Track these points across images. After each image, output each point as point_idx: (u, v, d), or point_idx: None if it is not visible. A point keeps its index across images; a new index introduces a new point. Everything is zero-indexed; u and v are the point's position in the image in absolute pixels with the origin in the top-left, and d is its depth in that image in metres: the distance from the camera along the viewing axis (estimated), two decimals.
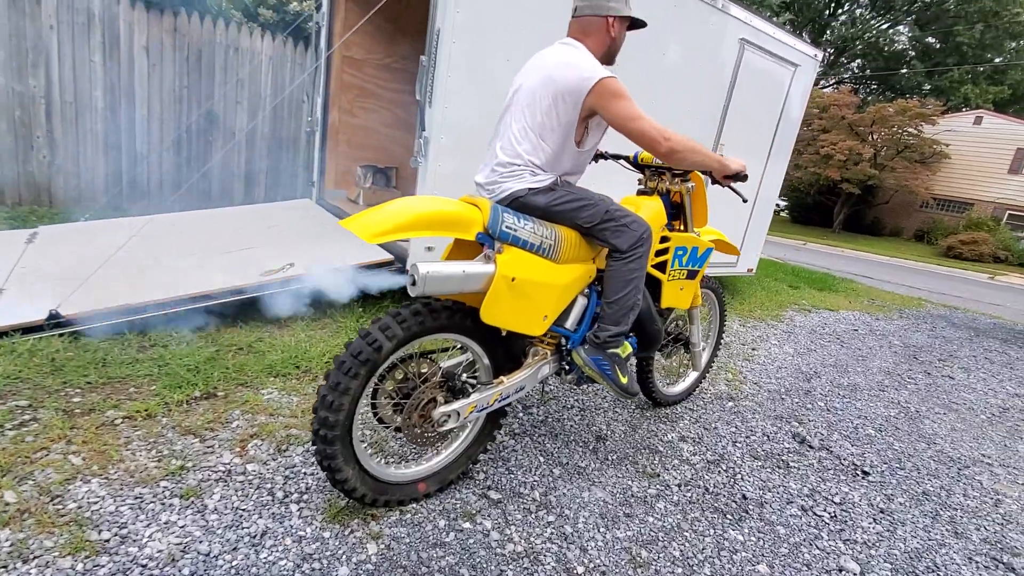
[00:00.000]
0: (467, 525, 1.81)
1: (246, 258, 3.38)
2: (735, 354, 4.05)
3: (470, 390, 1.84)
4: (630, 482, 2.21)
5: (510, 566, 1.66)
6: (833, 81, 27.11)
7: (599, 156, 2.53)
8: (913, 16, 23.90)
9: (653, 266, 2.32)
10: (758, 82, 4.69)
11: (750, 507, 2.18)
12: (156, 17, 4.83)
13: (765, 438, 2.80)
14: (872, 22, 24.78)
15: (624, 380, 2.04)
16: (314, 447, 1.61)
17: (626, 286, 1.96)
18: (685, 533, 1.96)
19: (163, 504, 1.65)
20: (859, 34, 24.04)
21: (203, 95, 5.19)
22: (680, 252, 2.36)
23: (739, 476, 2.39)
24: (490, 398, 1.85)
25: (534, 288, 1.79)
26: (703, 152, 1.95)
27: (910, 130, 19.49)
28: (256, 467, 1.89)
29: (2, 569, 1.34)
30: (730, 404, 3.14)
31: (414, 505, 1.85)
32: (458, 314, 1.74)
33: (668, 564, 1.79)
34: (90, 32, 4.58)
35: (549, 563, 1.71)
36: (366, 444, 1.94)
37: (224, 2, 5.85)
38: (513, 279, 1.72)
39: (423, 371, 1.80)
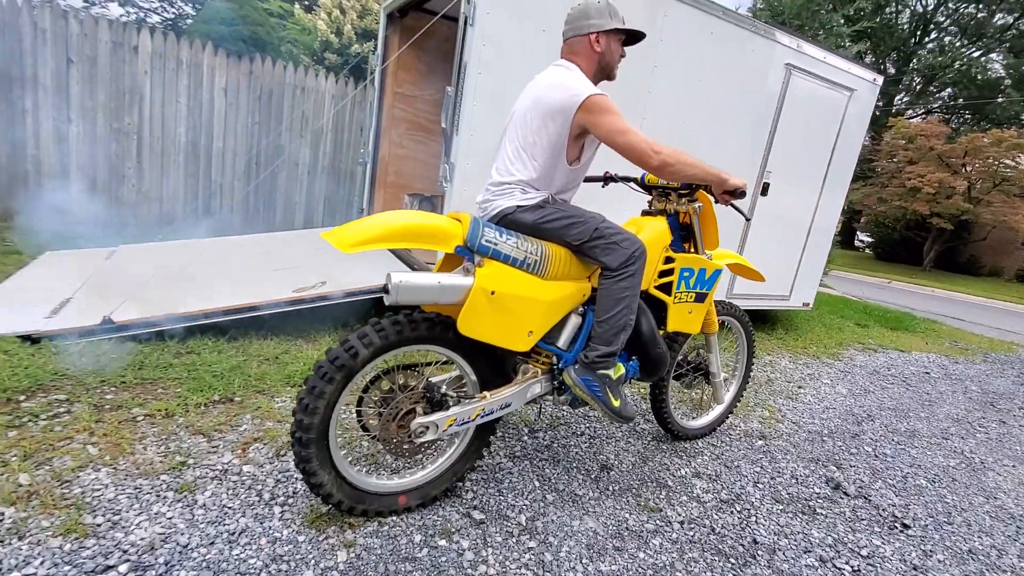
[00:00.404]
0: (443, 543, 1.78)
1: (288, 276, 3.60)
2: (777, 391, 3.78)
3: (450, 403, 1.85)
4: (627, 515, 2.10)
5: None
6: (922, 111, 25.38)
7: (609, 179, 2.51)
8: (1007, 44, 22.12)
9: (658, 288, 2.25)
10: (808, 108, 4.50)
11: (759, 552, 2.00)
12: (235, 62, 5.39)
13: (794, 481, 2.57)
14: (962, 50, 23.14)
15: (616, 403, 1.97)
16: (292, 449, 1.66)
17: (616, 304, 1.91)
18: (677, 573, 1.82)
19: (158, 496, 1.76)
20: (948, 62, 22.46)
21: (271, 130, 5.68)
22: (686, 274, 2.27)
23: (753, 519, 2.21)
24: (471, 412, 1.84)
25: (516, 302, 1.79)
26: (698, 165, 1.90)
27: (1007, 162, 17.77)
28: (252, 469, 1.98)
29: (7, 542, 1.48)
30: (760, 443, 2.92)
31: (394, 518, 1.85)
32: (439, 326, 1.77)
33: None
34: (178, 76, 5.18)
35: None
36: (345, 451, 1.98)
37: (294, 48, 6.41)
38: (493, 292, 1.73)
39: (407, 383, 1.83)
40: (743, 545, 2.03)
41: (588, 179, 2.49)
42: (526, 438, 2.56)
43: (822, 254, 5.22)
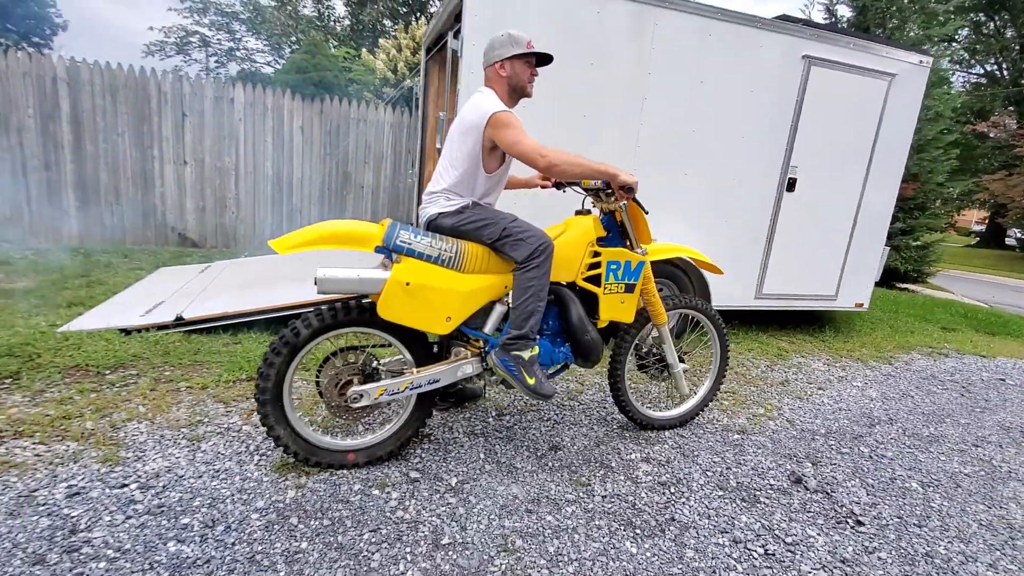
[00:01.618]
0: (376, 492, 2.15)
1: None
2: (789, 391, 3.66)
3: (382, 377, 2.22)
4: (554, 487, 2.32)
5: (388, 526, 1.96)
6: None
7: (559, 186, 2.75)
8: None
9: (587, 279, 2.45)
10: (837, 98, 4.30)
11: (670, 528, 2.12)
12: (308, 103, 6.31)
13: (752, 472, 2.59)
14: None
15: (531, 381, 2.22)
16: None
17: (524, 293, 2.17)
18: (575, 535, 2.02)
19: (174, 442, 2.33)
20: None
21: (341, 159, 6.54)
22: (613, 266, 2.44)
23: (683, 501, 2.31)
24: (400, 385, 2.20)
25: (431, 292, 2.12)
26: (584, 164, 2.13)
27: None
28: (249, 428, 2.50)
29: (60, 465, 2.11)
30: (736, 437, 2.94)
31: (344, 471, 2.26)
32: (370, 312, 2.16)
33: (536, 556, 1.90)
34: (264, 120, 6.19)
35: (423, 531, 1.96)
36: (302, 413, 2.42)
37: (358, 86, 7.28)
38: (408, 284, 2.09)
39: (353, 360, 2.25)
40: (657, 520, 2.16)
41: (547, 187, 2.77)
42: (491, 419, 2.86)
43: (873, 250, 4.85)
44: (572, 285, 2.46)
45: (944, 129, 8.40)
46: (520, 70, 2.27)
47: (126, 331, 3.38)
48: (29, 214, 5.76)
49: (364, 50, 7.62)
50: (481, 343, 2.35)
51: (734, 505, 2.31)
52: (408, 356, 2.29)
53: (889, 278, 9.02)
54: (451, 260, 2.18)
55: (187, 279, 4.59)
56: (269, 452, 2.33)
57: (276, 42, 10.73)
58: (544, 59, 2.32)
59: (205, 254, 5.94)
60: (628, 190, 2.20)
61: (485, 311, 2.33)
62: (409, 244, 2.12)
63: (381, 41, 7.00)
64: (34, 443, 2.22)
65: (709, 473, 2.54)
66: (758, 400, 3.46)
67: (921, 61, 4.45)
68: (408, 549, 1.86)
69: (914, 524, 2.31)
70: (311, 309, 2.12)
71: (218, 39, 11.56)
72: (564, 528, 2.05)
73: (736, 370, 3.95)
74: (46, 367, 2.84)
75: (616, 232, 2.52)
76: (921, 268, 8.82)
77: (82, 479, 2.04)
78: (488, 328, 2.33)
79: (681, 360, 2.87)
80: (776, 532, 2.15)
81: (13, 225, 5.75)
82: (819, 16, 9.02)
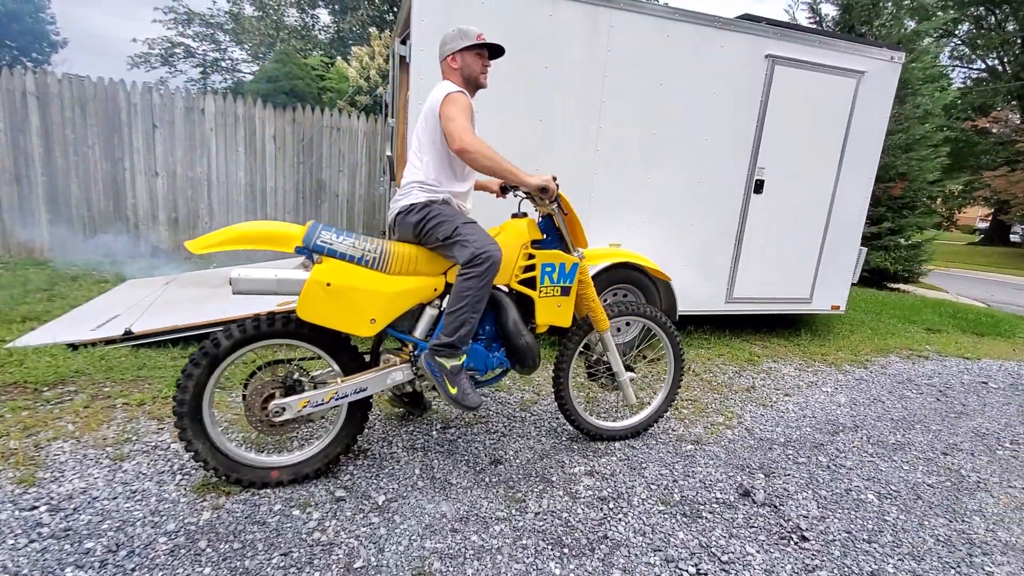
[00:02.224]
0: (296, 512, 2.08)
1: None
2: (753, 398, 3.57)
3: (304, 388, 2.15)
4: (486, 503, 2.24)
5: (301, 549, 1.89)
6: None
7: (503, 189, 2.68)
8: None
9: (522, 282, 2.38)
10: (803, 98, 4.22)
11: (600, 547, 2.03)
12: (280, 112, 6.28)
13: (699, 485, 2.50)
14: None
15: (453, 391, 2.15)
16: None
17: (459, 301, 2.10)
18: (497, 556, 1.94)
19: (96, 462, 2.27)
20: None
21: (315, 167, 6.49)
22: (548, 269, 2.37)
23: (620, 517, 2.22)
24: (324, 396, 2.13)
25: (353, 293, 2.06)
26: (497, 161, 2.09)
27: None
28: (178, 447, 2.43)
29: None
30: (689, 447, 2.85)
31: (268, 490, 2.18)
32: (294, 323, 2.09)
33: None
34: (236, 129, 6.16)
35: (337, 554, 1.88)
36: (223, 428, 2.35)
37: (331, 94, 7.25)
38: (328, 284, 2.02)
39: (279, 373, 2.18)
40: (588, 539, 2.07)
41: (498, 194, 2.69)
42: (435, 432, 2.78)
43: (848, 251, 4.76)
44: (507, 289, 2.39)
45: (935, 127, 8.30)
46: (471, 61, 2.28)
47: (74, 346, 3.32)
48: (0, 227, 5.74)
49: (339, 58, 7.60)
50: (411, 347, 2.28)
51: (674, 521, 2.23)
52: (335, 366, 2.22)
53: (879, 278, 8.90)
54: (375, 261, 2.12)
55: (150, 291, 4.54)
56: (192, 471, 2.26)
57: (257, 52, 10.75)
58: (496, 51, 2.34)
59: (177, 265, 5.89)
60: (544, 191, 2.15)
61: (414, 314, 2.26)
62: (330, 244, 2.06)
63: (354, 49, 6.99)
64: None
65: (654, 487, 2.46)
66: (719, 408, 3.37)
67: (893, 58, 4.37)
68: (317, 573, 1.79)
69: (863, 540, 2.22)
70: (238, 321, 2.05)
71: (203, 50, 11.61)
72: (488, 549, 1.97)
73: (702, 376, 3.87)
74: None
75: (554, 235, 2.46)
76: (912, 268, 8.70)
77: None
78: (419, 332, 2.26)
79: (629, 369, 2.79)
80: (712, 550, 2.07)
81: None
82: (803, 16, 8.96)
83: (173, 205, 6.15)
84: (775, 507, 2.38)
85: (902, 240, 8.64)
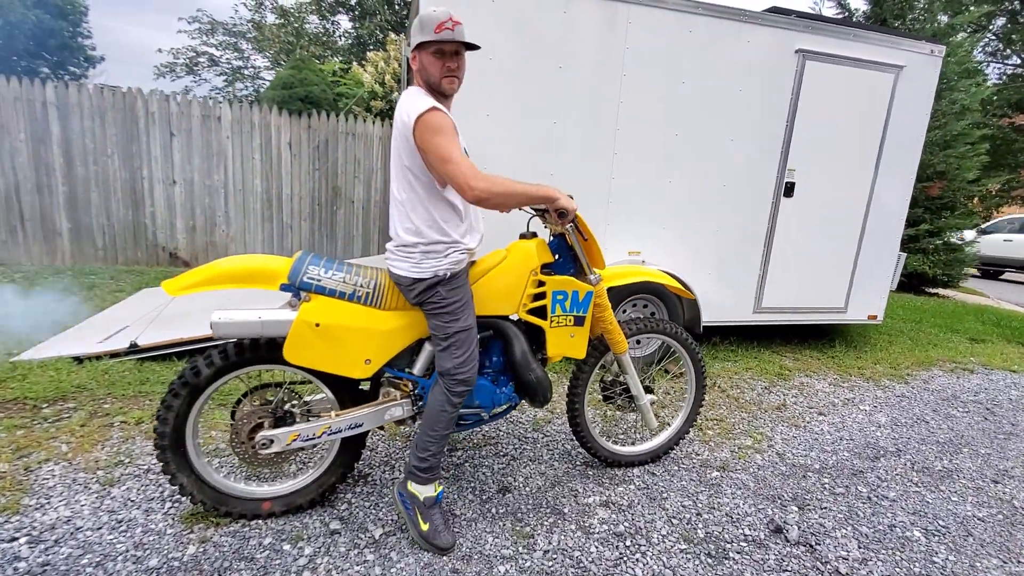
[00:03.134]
0: (287, 547, 1.94)
1: None
2: (784, 417, 3.33)
3: (296, 420, 2.02)
4: (492, 538, 2.07)
5: None
6: None
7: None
8: None
9: (531, 311, 2.19)
10: (837, 95, 3.96)
11: None
12: (296, 119, 6.24)
13: (726, 520, 2.29)
14: None
15: (424, 527, 1.94)
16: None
17: (431, 421, 1.95)
18: None
19: (84, 487, 2.17)
20: None
21: (330, 174, 6.43)
22: (560, 296, 2.18)
23: (638, 557, 2.03)
24: (316, 430, 1.98)
25: (345, 333, 1.90)
26: (521, 192, 1.80)
27: None
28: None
29: None
30: (715, 474, 2.63)
31: (259, 521, 2.06)
32: (281, 348, 1.96)
33: None
34: (252, 137, 6.13)
35: None
36: (209, 458, 2.22)
37: (347, 100, 7.19)
38: (318, 324, 1.88)
39: (268, 398, 2.05)
40: None
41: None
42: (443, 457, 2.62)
43: (887, 259, 4.46)
44: (517, 320, 2.20)
45: (972, 123, 7.84)
46: (427, 64, 1.79)
47: (79, 359, 3.27)
48: (23, 236, 5.81)
49: (354, 63, 7.56)
50: (411, 384, 2.11)
51: (697, 562, 2.02)
52: (331, 395, 2.08)
53: (917, 283, 8.46)
54: (368, 296, 1.96)
55: (162, 301, 4.50)
56: (183, 498, 2.15)
57: (278, 59, 10.83)
58: (465, 46, 1.79)
59: None
60: (562, 215, 1.94)
61: (412, 350, 2.10)
62: (318, 280, 1.91)
63: (370, 54, 6.92)
64: None
65: (675, 521, 2.26)
66: (747, 429, 3.14)
67: (932, 51, 4.07)
68: None
69: None
70: (219, 347, 1.93)
71: (226, 58, 11.76)
72: None
73: (728, 392, 3.63)
74: None
75: (567, 256, 2.25)
76: (951, 272, 8.23)
77: None
78: (417, 369, 2.10)
79: (649, 391, 2.59)
80: None
81: (9, 248, 5.81)
82: (830, 11, 8.57)
83: (191, 213, 6.16)
84: (810, 546, 2.16)
85: (940, 243, 8.18)
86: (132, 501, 2.11)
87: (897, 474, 2.77)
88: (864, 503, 2.49)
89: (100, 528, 1.95)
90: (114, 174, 5.89)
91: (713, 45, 3.65)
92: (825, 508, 2.43)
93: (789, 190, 4.04)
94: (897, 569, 2.06)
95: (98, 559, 1.81)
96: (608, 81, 3.54)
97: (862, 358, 4.54)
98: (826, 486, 2.61)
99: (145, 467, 2.33)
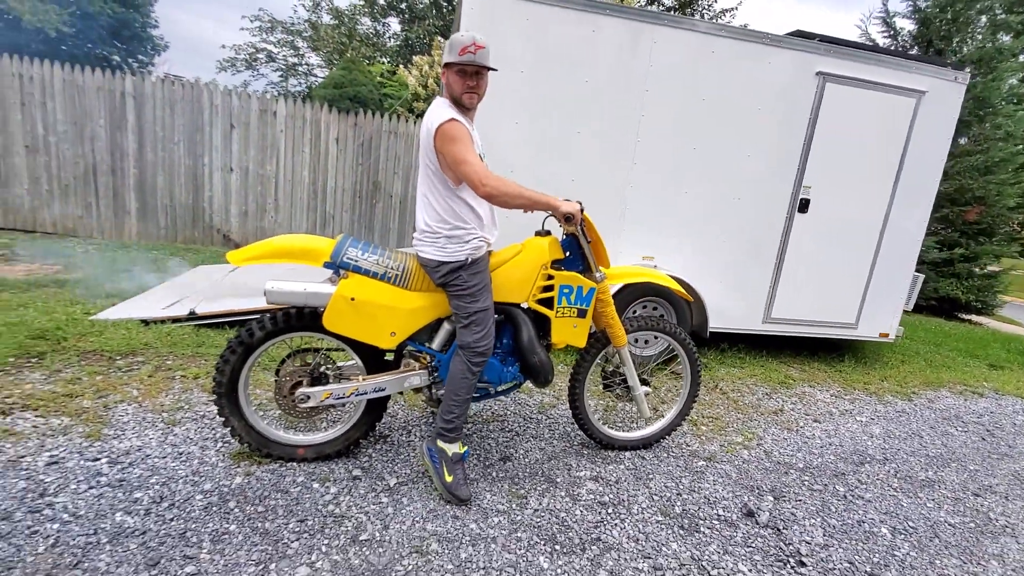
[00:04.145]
0: (316, 485, 2.29)
1: None
2: (780, 421, 3.51)
3: (329, 380, 2.36)
4: (490, 496, 2.36)
5: (316, 518, 2.09)
6: None
7: None
8: None
9: (539, 301, 2.47)
10: (856, 117, 4.09)
11: (592, 547, 2.12)
12: (344, 117, 6.69)
13: (703, 501, 2.52)
14: None
15: (449, 479, 2.25)
16: None
17: (455, 385, 2.25)
18: (492, 544, 2.06)
19: (152, 424, 2.58)
20: None
21: (372, 169, 6.86)
22: (566, 290, 2.45)
23: (616, 522, 2.29)
24: (346, 390, 2.32)
25: (375, 308, 2.23)
26: (526, 195, 2.10)
27: None
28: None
29: (50, 437, 2.39)
30: (700, 463, 2.86)
31: (294, 464, 2.41)
32: (321, 318, 2.30)
33: (446, 560, 1.96)
34: (303, 131, 6.62)
35: (347, 526, 2.07)
36: (256, 407, 2.58)
37: (392, 101, 7.62)
38: (353, 299, 2.21)
39: (308, 361, 2.40)
40: (581, 539, 2.16)
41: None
42: None
43: (902, 279, 4.55)
44: (526, 308, 2.48)
45: (1017, 149, 7.69)
46: (452, 80, 2.10)
47: (146, 322, 3.73)
48: (97, 213, 6.44)
49: (400, 66, 7.99)
50: (429, 357, 2.43)
51: (670, 532, 2.27)
52: (359, 362, 2.42)
53: (949, 308, 8.32)
54: (397, 278, 2.29)
55: (216, 278, 4.98)
56: (232, 441, 2.52)
57: (330, 58, 11.42)
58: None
59: None
60: (568, 219, 2.21)
61: (432, 328, 2.42)
62: (356, 261, 2.24)
63: (415, 58, 7.33)
64: (36, 416, 2.53)
65: (656, 497, 2.51)
66: (740, 428, 3.34)
67: (956, 78, 4.16)
68: (326, 541, 1.98)
69: (865, 571, 2.18)
70: (270, 313, 2.29)
71: (283, 55, 12.46)
72: (483, 537, 2.10)
73: (728, 395, 3.83)
74: (68, 350, 3.20)
75: (577, 254, 2.52)
76: (986, 298, 8.08)
77: (64, 450, 2.30)
78: (436, 344, 2.42)
79: (645, 383, 2.84)
80: (704, 563, 2.10)
81: (83, 223, 6.45)
82: (876, 30, 8.54)
83: (244, 199, 6.68)
84: (778, 530, 2.37)
85: (976, 268, 8.04)
86: (190, 439, 2.50)
87: (878, 479, 2.93)
88: (839, 500, 2.68)
89: (165, 457, 2.35)
90: (179, 160, 6.46)
91: (735, 65, 3.86)
92: (800, 501, 2.63)
93: (804, 206, 4.20)
94: (856, 556, 2.26)
95: (163, 480, 2.20)
96: (630, 96, 3.80)
97: (870, 374, 4.64)
98: (805, 483, 2.80)
99: (201, 413, 2.73)
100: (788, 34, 4.14)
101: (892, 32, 8.39)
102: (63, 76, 6.10)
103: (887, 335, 4.66)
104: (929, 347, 5.83)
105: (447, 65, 2.12)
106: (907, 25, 8.28)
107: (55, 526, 1.89)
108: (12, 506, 1.95)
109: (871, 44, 8.29)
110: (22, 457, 2.22)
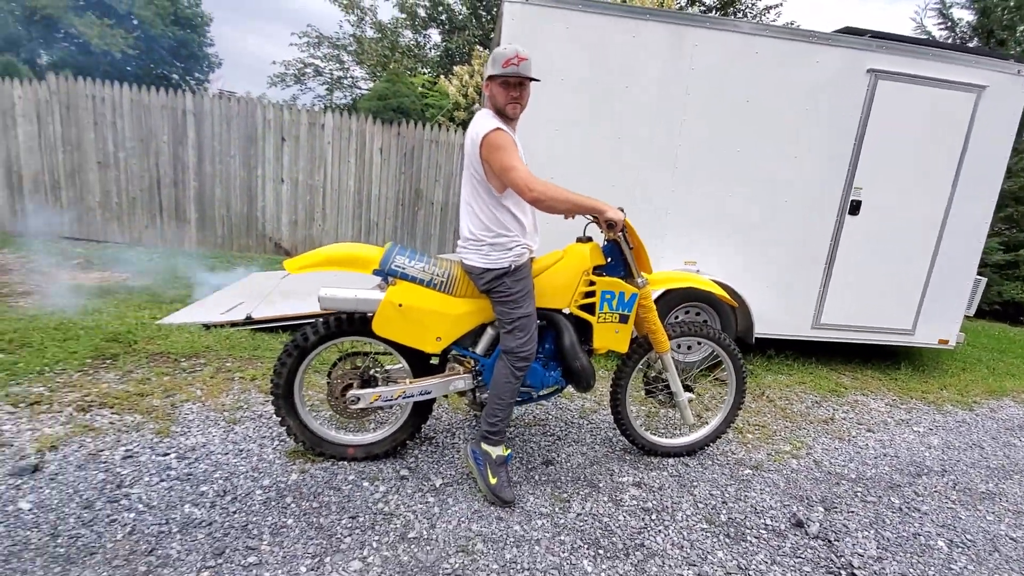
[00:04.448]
0: (366, 484, 2.38)
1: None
2: (830, 430, 3.40)
3: (379, 383, 2.46)
4: (533, 499, 2.40)
5: (367, 515, 2.18)
6: None
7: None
8: None
9: (581, 307, 2.50)
10: (911, 114, 3.94)
11: (635, 553, 2.12)
12: (387, 127, 6.90)
13: (750, 510, 2.49)
14: None
15: (493, 481, 2.29)
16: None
17: (498, 389, 2.30)
18: (536, 547, 2.10)
19: (215, 423, 2.74)
20: None
21: (414, 177, 7.04)
22: (608, 296, 2.46)
23: (660, 529, 2.29)
24: (394, 393, 2.41)
25: (421, 314, 2.32)
26: (572, 199, 2.16)
27: None
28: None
29: (124, 432, 2.58)
30: (747, 472, 2.81)
31: (345, 463, 2.52)
32: (370, 324, 2.40)
33: (491, 560, 2.01)
34: (349, 142, 6.86)
35: (396, 524, 2.15)
36: (310, 408, 2.70)
37: (433, 110, 7.80)
38: (400, 305, 2.30)
39: (357, 364, 2.51)
40: (625, 544, 2.17)
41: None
42: None
43: (962, 283, 4.33)
44: (568, 313, 2.51)
45: None
46: (496, 92, 2.16)
47: (207, 326, 3.96)
48: (160, 223, 6.86)
49: (441, 76, 8.18)
50: (473, 362, 2.50)
51: (715, 540, 2.25)
52: (406, 366, 2.51)
53: (1015, 313, 7.82)
54: (443, 284, 2.36)
55: (269, 284, 5.22)
56: (288, 439, 2.66)
57: (374, 71, 11.79)
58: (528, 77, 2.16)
59: None
60: (611, 226, 2.24)
61: (476, 333, 2.48)
62: (403, 268, 2.33)
63: (456, 68, 7.49)
64: (112, 413, 2.73)
65: (700, 505, 2.48)
66: (788, 436, 3.26)
67: (1020, 71, 3.94)
68: (377, 538, 2.06)
69: None
70: (323, 318, 2.41)
71: (329, 69, 12.94)
72: (528, 539, 2.14)
73: (776, 403, 3.74)
74: (138, 352, 3.44)
75: (618, 260, 2.53)
76: None
77: (137, 445, 2.48)
78: (479, 349, 2.48)
79: (688, 389, 2.82)
80: (751, 573, 2.07)
81: (148, 233, 6.88)
82: (932, 23, 8.15)
83: (294, 208, 6.99)
84: (829, 541, 2.31)
85: None
86: (250, 437, 2.65)
87: (935, 491, 2.81)
88: (893, 512, 2.58)
89: (227, 453, 2.49)
90: (234, 172, 6.81)
91: (780, 65, 3.78)
92: (852, 512, 2.55)
93: (855, 208, 4.06)
94: (911, 570, 2.18)
95: (226, 474, 2.34)
96: (672, 99, 3.78)
97: (928, 382, 4.42)
98: (858, 494, 2.71)
99: (259, 413, 2.88)
100: (837, 31, 4.03)
101: (949, 24, 7.99)
102: (131, 96, 6.54)
103: (947, 341, 4.43)
104: (992, 354, 5.50)
105: (491, 78, 2.18)
106: (965, 16, 7.88)
107: (131, 515, 2.04)
108: (93, 496, 2.12)
109: (926, 38, 7.93)
110: (101, 451, 2.41)
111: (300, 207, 7.00)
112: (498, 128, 2.10)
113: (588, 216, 2.46)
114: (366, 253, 2.37)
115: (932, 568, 2.20)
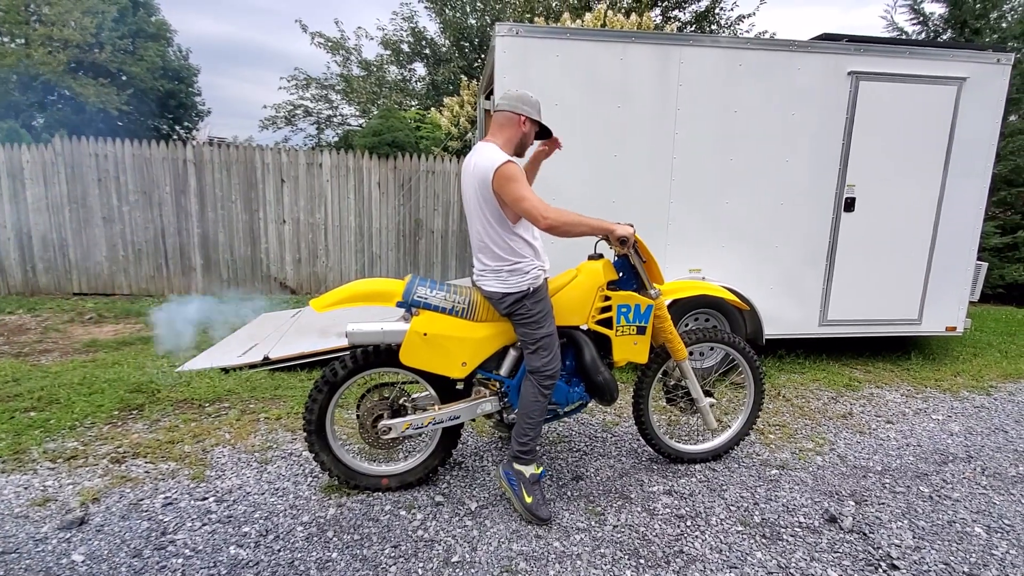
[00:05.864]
0: (403, 513, 2.41)
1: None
2: (851, 425, 3.44)
3: (408, 412, 2.50)
4: (568, 514, 2.43)
5: (408, 543, 2.21)
6: None
7: None
8: None
9: (598, 322, 2.57)
10: (895, 111, 4.07)
11: (676, 560, 2.15)
12: (384, 161, 7.05)
13: (782, 510, 2.52)
14: None
15: (529, 500, 2.33)
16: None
17: (526, 408, 2.35)
18: (577, 561, 2.13)
19: (248, 464, 2.77)
20: None
21: (413, 208, 7.16)
22: (624, 309, 2.53)
23: (697, 534, 2.32)
24: (423, 420, 2.46)
25: (446, 341, 2.38)
26: (583, 222, 2.24)
27: None
28: (308, 454, 2.89)
29: (161, 480, 2.61)
30: (774, 472, 2.85)
31: (380, 494, 2.55)
32: (397, 355, 2.46)
33: None
34: (347, 179, 6.99)
35: (438, 549, 2.18)
36: (343, 442, 2.74)
37: (426, 142, 7.96)
38: (426, 334, 2.36)
39: (385, 395, 2.56)
40: (664, 552, 2.20)
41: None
42: None
43: (963, 269, 4.41)
44: (587, 329, 2.58)
45: None
46: (529, 131, 2.37)
47: (225, 370, 4.00)
48: (166, 272, 6.94)
49: (433, 108, 8.38)
50: (498, 384, 2.55)
51: (752, 541, 2.28)
52: (433, 393, 2.56)
53: (1019, 295, 7.89)
54: (464, 311, 2.43)
55: (281, 323, 5.28)
56: (320, 475, 2.69)
57: (364, 108, 12.05)
58: (543, 132, 2.44)
59: (300, 300, 6.75)
60: (623, 242, 2.32)
61: (499, 355, 2.54)
62: (426, 299, 2.40)
63: (446, 99, 7.69)
64: (146, 462, 2.76)
65: (733, 508, 2.51)
66: (810, 434, 3.30)
67: (999, 59, 4.09)
68: (421, 564, 2.09)
69: (963, 572, 2.13)
70: (351, 352, 2.46)
71: (318, 109, 13.21)
72: (568, 554, 2.17)
73: (792, 402, 3.78)
74: (163, 400, 3.48)
75: (630, 274, 2.60)
76: None
77: (175, 492, 2.51)
78: (503, 371, 2.54)
79: (708, 394, 2.87)
80: (792, 571, 2.10)
81: (155, 282, 6.95)
82: (904, 18, 8.40)
83: (297, 247, 7.08)
84: (864, 534, 2.34)
85: None
86: (283, 475, 2.68)
87: (965, 478, 2.84)
88: (924, 501, 2.61)
89: (263, 493, 2.53)
90: (237, 216, 6.92)
91: (764, 75, 3.93)
92: (883, 504, 2.58)
93: (849, 205, 4.17)
94: (952, 557, 2.21)
95: (266, 514, 2.37)
96: (663, 116, 3.91)
97: (940, 370, 4.47)
98: (886, 485, 2.75)
99: (288, 451, 2.92)
100: (814, 38, 4.19)
101: (921, 18, 8.25)
102: (132, 151, 6.68)
103: (954, 328, 4.50)
104: (1002, 338, 5.56)
105: (533, 121, 2.35)
106: (937, 8, 8.13)
107: (179, 561, 2.07)
108: (140, 544, 2.15)
109: (901, 36, 8.17)
110: (141, 500, 2.44)
111: (303, 246, 7.10)
112: (509, 160, 2.19)
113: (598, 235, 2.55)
114: (389, 287, 2.44)
115: (973, 554, 2.23)
